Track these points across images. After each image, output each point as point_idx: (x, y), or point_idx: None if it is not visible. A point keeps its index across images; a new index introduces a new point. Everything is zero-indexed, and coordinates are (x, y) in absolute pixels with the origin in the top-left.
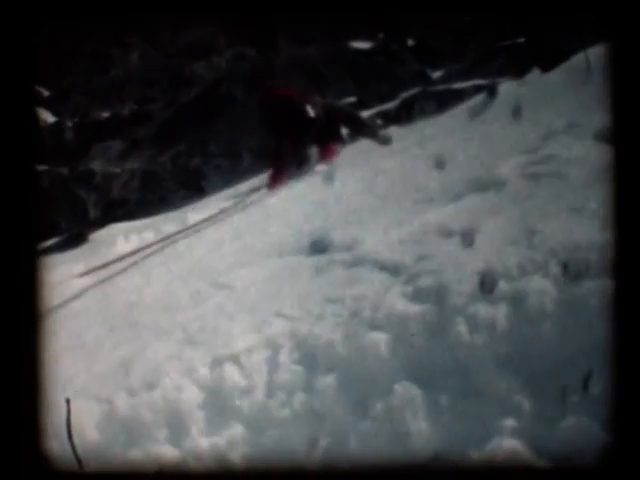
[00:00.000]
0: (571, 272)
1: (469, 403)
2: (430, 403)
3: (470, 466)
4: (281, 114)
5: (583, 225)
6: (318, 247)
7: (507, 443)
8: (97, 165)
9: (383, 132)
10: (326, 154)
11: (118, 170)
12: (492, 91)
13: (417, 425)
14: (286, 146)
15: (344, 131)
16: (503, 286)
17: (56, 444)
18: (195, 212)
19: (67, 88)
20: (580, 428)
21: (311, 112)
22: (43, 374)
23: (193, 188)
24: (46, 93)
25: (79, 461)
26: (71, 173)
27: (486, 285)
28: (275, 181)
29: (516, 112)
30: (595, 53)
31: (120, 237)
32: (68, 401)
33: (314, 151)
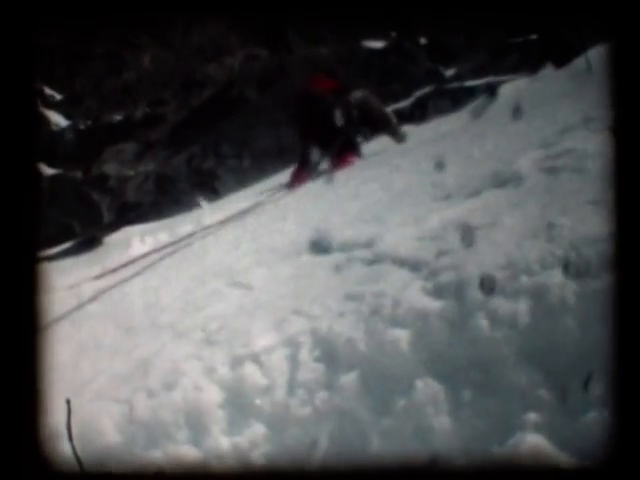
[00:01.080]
0: (572, 271)
1: (491, 398)
2: (452, 399)
3: (486, 464)
4: (311, 113)
5: (602, 218)
6: (318, 247)
7: (530, 438)
8: (110, 168)
9: (400, 130)
10: (341, 164)
11: (132, 173)
12: (492, 91)
13: (439, 421)
14: (311, 147)
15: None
16: (524, 280)
17: (57, 445)
18: (210, 213)
19: (79, 91)
20: (581, 427)
21: (339, 120)
22: (44, 374)
23: (207, 190)
24: (58, 97)
25: (79, 462)
26: (84, 176)
27: (485, 286)
28: (296, 180)
29: (516, 111)
30: (596, 51)
31: (135, 240)
32: (68, 401)
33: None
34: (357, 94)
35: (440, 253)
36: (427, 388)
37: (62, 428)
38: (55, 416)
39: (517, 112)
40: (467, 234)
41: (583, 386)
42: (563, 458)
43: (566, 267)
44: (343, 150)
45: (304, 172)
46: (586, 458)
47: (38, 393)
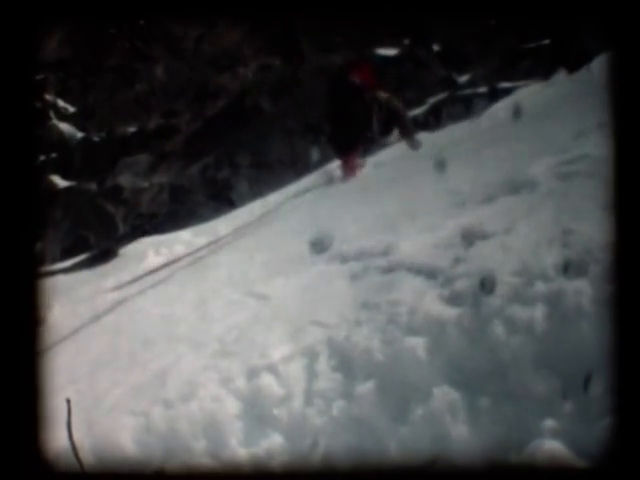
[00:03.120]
0: (572, 271)
1: (509, 405)
2: (470, 406)
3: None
4: (347, 102)
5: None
6: (319, 247)
7: (547, 444)
8: (125, 180)
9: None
10: (349, 169)
11: (146, 184)
12: (492, 93)
13: (457, 429)
14: (352, 134)
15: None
16: (540, 286)
17: (57, 445)
18: (225, 224)
19: (93, 104)
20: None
21: (373, 118)
22: (44, 375)
23: (222, 200)
24: (72, 109)
25: (80, 462)
26: (99, 188)
27: (486, 286)
28: (349, 167)
29: (516, 112)
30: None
31: (150, 251)
32: (68, 401)
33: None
34: (383, 94)
35: (456, 260)
36: (444, 396)
37: (53, 427)
38: (55, 417)
39: (517, 113)
40: (467, 235)
41: (583, 386)
42: (580, 464)
43: (566, 267)
44: (353, 152)
45: (353, 160)
46: (600, 461)
47: (39, 394)
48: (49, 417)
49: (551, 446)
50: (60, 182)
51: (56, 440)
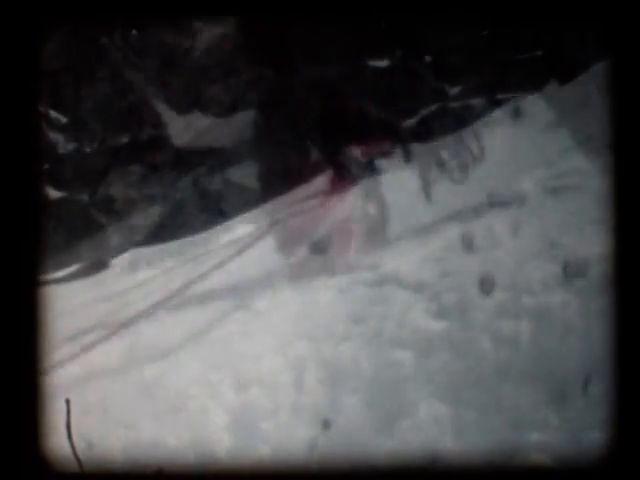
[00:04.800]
0: (571, 271)
1: (495, 419)
2: (456, 419)
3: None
4: (341, 122)
5: (605, 237)
6: (319, 247)
7: (533, 457)
8: (117, 191)
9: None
10: (337, 188)
11: (138, 195)
12: (485, 105)
13: (443, 441)
14: (347, 153)
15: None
16: (526, 301)
17: (56, 445)
18: (216, 235)
19: (84, 114)
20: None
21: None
22: (43, 375)
23: (214, 212)
24: (64, 120)
25: (79, 462)
26: (91, 199)
27: (485, 286)
28: (336, 187)
29: (516, 112)
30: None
31: (142, 262)
32: (68, 401)
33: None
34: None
35: (443, 274)
36: (431, 409)
37: (62, 428)
38: (55, 417)
39: (517, 113)
40: (466, 235)
41: (583, 387)
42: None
43: (565, 268)
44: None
45: (343, 179)
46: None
47: (38, 394)
48: (48, 419)
49: (537, 459)
50: (52, 193)
51: (55, 441)
